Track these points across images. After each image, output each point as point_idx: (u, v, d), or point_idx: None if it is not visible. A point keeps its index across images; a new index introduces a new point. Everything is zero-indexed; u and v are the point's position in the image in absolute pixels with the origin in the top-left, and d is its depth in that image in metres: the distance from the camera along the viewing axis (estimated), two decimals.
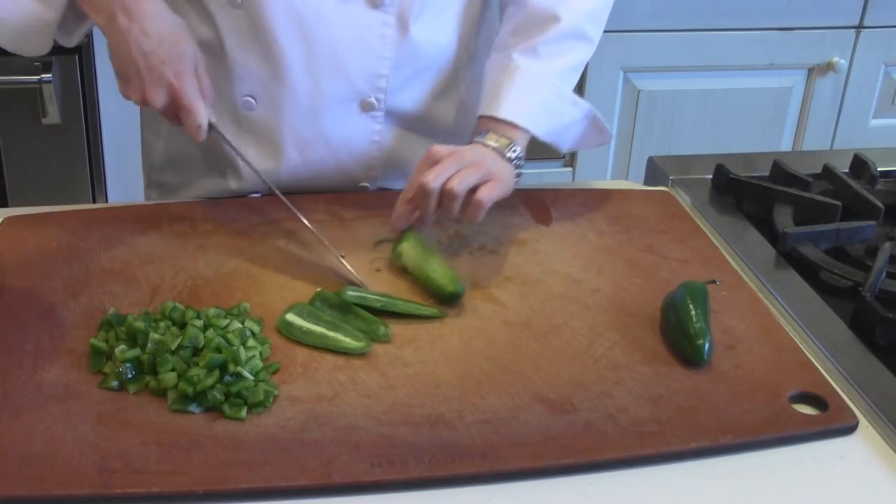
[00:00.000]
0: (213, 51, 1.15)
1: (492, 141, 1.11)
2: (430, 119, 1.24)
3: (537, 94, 1.15)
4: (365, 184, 1.24)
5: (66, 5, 1.05)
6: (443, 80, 1.22)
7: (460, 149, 1.07)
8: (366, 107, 1.18)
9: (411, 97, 1.21)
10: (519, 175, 1.13)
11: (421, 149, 1.13)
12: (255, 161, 1.15)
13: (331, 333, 0.95)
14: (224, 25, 1.13)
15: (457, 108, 1.25)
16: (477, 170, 1.05)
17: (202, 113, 1.04)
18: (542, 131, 1.15)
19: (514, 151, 1.12)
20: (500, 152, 1.10)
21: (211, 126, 1.06)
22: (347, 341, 0.94)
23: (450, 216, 1.06)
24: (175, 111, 1.05)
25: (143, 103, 1.04)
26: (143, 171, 1.35)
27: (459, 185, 1.03)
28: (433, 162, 1.05)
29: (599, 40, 1.20)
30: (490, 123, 1.13)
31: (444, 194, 1.03)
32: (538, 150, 1.21)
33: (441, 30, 1.19)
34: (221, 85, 1.15)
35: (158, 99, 1.03)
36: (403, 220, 1.07)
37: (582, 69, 1.20)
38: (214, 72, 1.13)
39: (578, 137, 1.22)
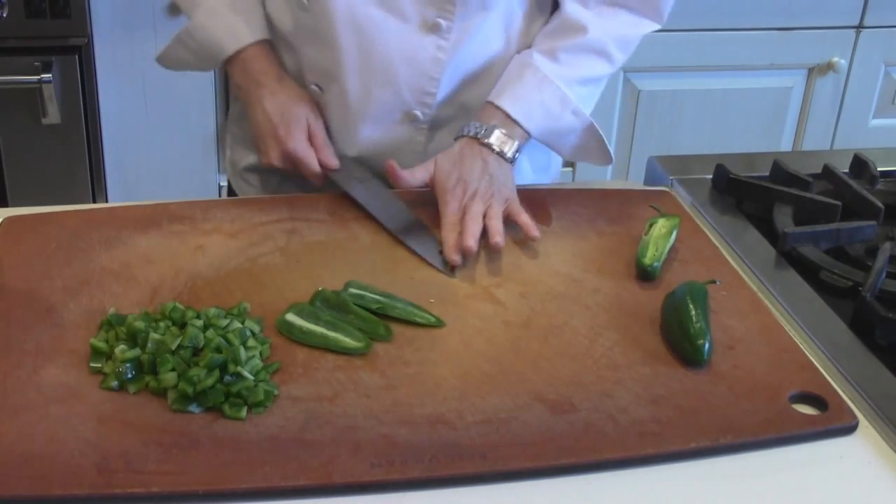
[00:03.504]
0: (288, 41, 1.23)
1: (493, 139, 1.16)
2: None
3: (540, 93, 1.18)
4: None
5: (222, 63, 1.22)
6: (487, 89, 1.23)
7: (473, 172, 1.14)
8: (410, 118, 1.22)
9: (457, 108, 1.24)
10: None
11: None
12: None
13: (331, 333, 0.95)
14: (296, 23, 1.20)
15: None
16: (497, 206, 1.13)
17: (312, 162, 1.19)
18: (535, 129, 1.19)
19: (514, 151, 1.17)
20: (502, 153, 1.16)
21: (332, 170, 1.20)
22: (347, 341, 0.94)
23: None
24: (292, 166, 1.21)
25: (276, 162, 1.21)
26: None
27: (497, 221, 1.11)
28: (456, 199, 1.12)
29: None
30: (493, 113, 1.18)
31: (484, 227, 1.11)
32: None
33: (487, 46, 1.22)
34: (296, 71, 1.24)
35: (274, 158, 1.21)
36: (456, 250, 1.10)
37: (598, 86, 1.24)
38: (290, 60, 1.24)
39: (576, 148, 1.25)
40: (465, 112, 1.23)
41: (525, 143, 1.19)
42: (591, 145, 1.24)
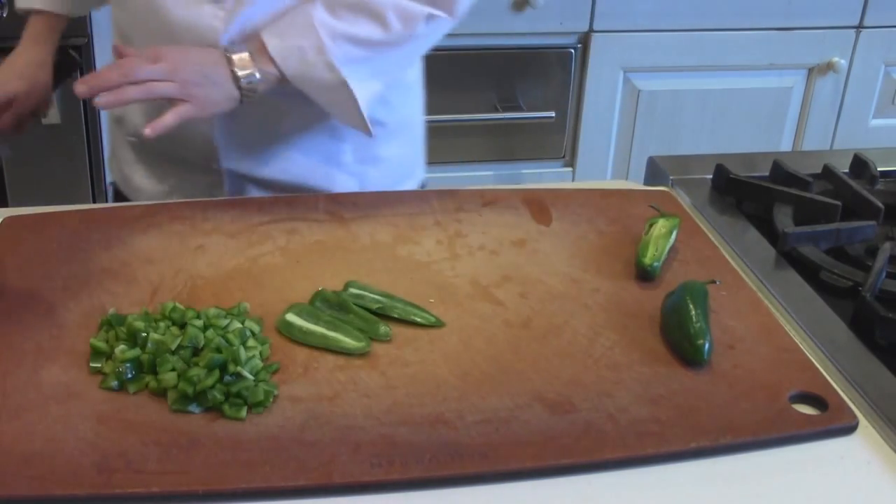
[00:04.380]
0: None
1: (237, 56, 1.15)
2: (270, 102, 1.24)
3: (301, 37, 1.16)
4: (214, 164, 1.28)
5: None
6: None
7: (188, 58, 1.14)
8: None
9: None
10: (241, 99, 1.16)
11: (266, 133, 1.26)
12: (132, 106, 1.30)
13: (331, 333, 0.95)
14: None
15: (296, 93, 1.26)
16: (175, 87, 1.12)
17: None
18: (287, 70, 1.16)
19: (249, 79, 1.15)
20: (234, 71, 1.15)
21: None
22: (347, 341, 0.94)
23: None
24: None
25: None
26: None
27: (144, 83, 1.11)
28: (153, 58, 1.12)
29: (450, 26, 1.21)
30: (254, 43, 1.17)
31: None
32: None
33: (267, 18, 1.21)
34: (117, 32, 1.31)
35: None
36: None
37: (369, 51, 1.19)
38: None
39: (329, 104, 1.22)
40: None
41: (275, 83, 1.17)
42: (345, 107, 1.21)
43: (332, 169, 1.31)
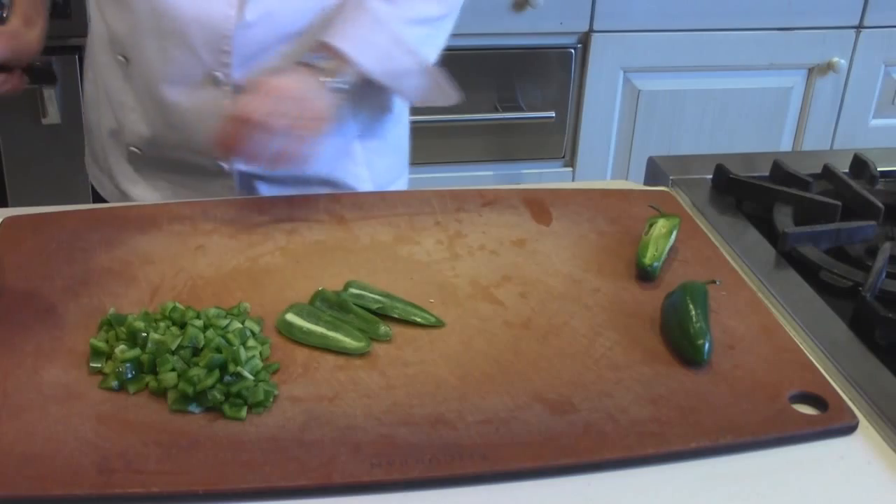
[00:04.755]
0: (98, 6, 1.25)
1: (323, 67, 1.14)
2: None
3: (374, 34, 1.17)
4: (224, 165, 1.26)
5: None
6: (291, 57, 1.23)
7: (286, 80, 1.12)
8: (211, 80, 1.20)
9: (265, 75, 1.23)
10: (336, 109, 1.16)
11: None
12: (131, 116, 1.26)
13: (331, 333, 0.95)
14: None
15: None
16: (296, 106, 1.11)
17: None
18: (372, 67, 1.17)
19: (339, 86, 1.15)
20: (325, 82, 1.14)
21: None
22: (348, 341, 0.94)
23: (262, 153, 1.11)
24: None
25: None
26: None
27: (276, 123, 1.09)
28: (259, 91, 1.10)
29: (457, 13, 1.23)
30: (328, 51, 1.15)
31: (260, 128, 1.09)
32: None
33: (283, 7, 1.20)
34: (107, 43, 1.26)
35: None
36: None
37: (433, 28, 1.22)
38: (99, 28, 1.26)
39: (418, 90, 1.24)
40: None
41: (357, 83, 1.17)
42: (432, 87, 1.23)
43: (343, 160, 1.31)
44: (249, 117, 1.08)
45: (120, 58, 1.24)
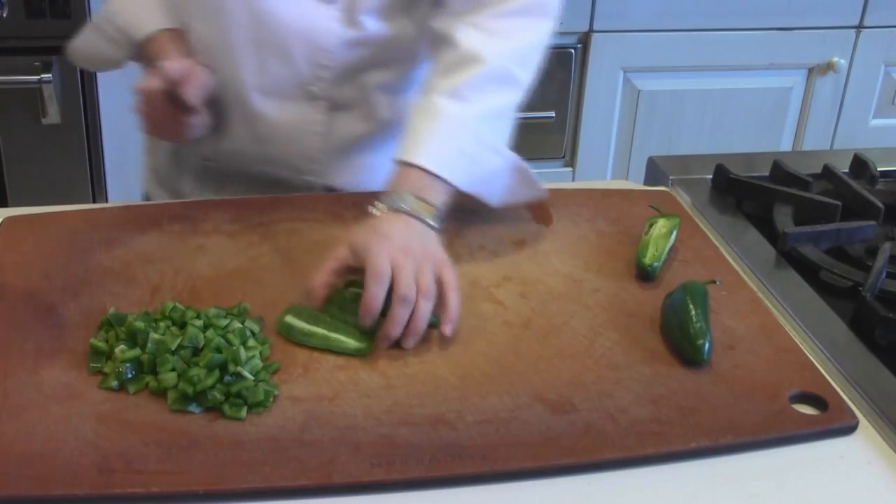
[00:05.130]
0: (180, 18, 1.18)
1: (423, 209, 1.03)
2: (376, 116, 1.24)
3: (456, 140, 1.07)
4: (311, 178, 1.25)
5: (136, 48, 1.18)
6: (391, 77, 1.22)
7: (402, 244, 0.99)
8: (307, 94, 1.19)
9: (359, 91, 1.21)
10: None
11: (367, 147, 1.21)
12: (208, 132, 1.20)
13: (332, 334, 0.95)
14: None
15: (404, 107, 1.22)
16: (431, 264, 0.99)
17: (189, 81, 1.11)
18: (461, 180, 1.06)
19: (436, 216, 1.04)
20: (422, 218, 1.03)
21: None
22: (350, 342, 0.94)
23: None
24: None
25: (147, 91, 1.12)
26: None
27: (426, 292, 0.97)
28: (379, 272, 0.96)
29: (529, 81, 1.14)
30: (408, 174, 1.05)
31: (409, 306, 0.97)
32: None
33: (391, 27, 1.19)
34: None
35: (155, 81, 1.12)
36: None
37: (510, 116, 1.13)
38: (179, 40, 1.18)
39: (506, 189, 1.13)
40: (367, 95, 1.21)
41: (450, 201, 1.06)
42: (519, 183, 1.14)
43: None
44: (406, 296, 0.95)
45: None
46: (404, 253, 0.98)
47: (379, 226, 1.01)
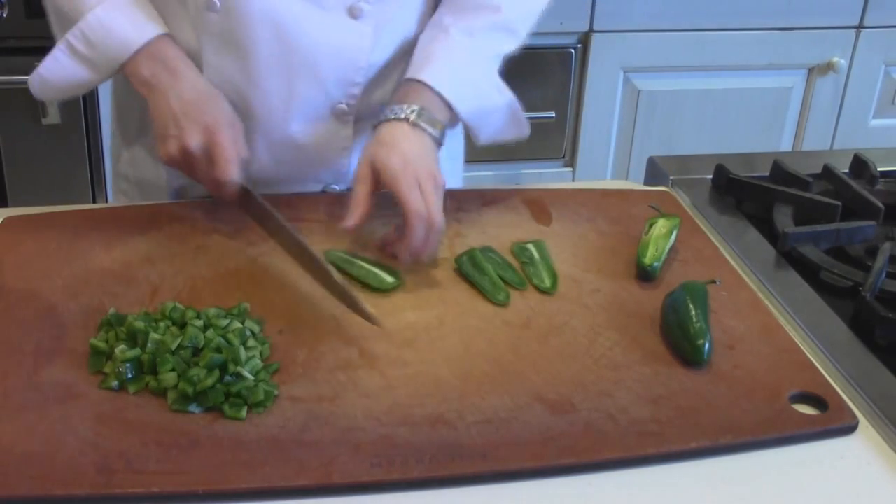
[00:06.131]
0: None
1: (426, 121, 1.09)
2: None
3: (467, 69, 1.14)
4: (335, 186, 1.25)
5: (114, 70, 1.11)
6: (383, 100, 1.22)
7: (406, 153, 1.05)
8: (337, 112, 1.18)
9: (384, 95, 1.21)
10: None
11: None
12: None
13: (371, 267, 1.04)
14: (202, 30, 1.12)
15: None
16: (433, 183, 1.05)
17: (234, 163, 1.07)
18: (465, 109, 1.13)
19: (442, 136, 1.11)
20: (433, 135, 1.09)
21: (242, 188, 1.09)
22: (384, 276, 1.04)
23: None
24: (207, 163, 1.07)
25: (180, 152, 1.08)
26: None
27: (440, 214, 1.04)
28: (419, 212, 1.03)
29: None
30: (420, 92, 1.10)
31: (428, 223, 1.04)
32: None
33: (416, 28, 1.19)
34: None
35: (193, 141, 1.06)
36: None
37: (502, 63, 1.20)
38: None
39: (498, 128, 1.20)
40: (389, 97, 1.20)
41: (447, 127, 1.12)
42: (510, 122, 1.20)
43: (450, 163, 1.28)
44: (433, 218, 1.03)
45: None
46: (426, 175, 1.04)
47: (395, 141, 1.06)
